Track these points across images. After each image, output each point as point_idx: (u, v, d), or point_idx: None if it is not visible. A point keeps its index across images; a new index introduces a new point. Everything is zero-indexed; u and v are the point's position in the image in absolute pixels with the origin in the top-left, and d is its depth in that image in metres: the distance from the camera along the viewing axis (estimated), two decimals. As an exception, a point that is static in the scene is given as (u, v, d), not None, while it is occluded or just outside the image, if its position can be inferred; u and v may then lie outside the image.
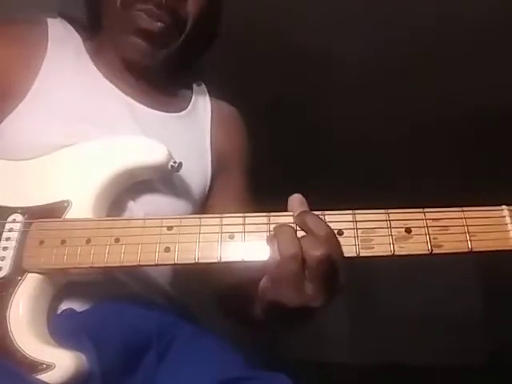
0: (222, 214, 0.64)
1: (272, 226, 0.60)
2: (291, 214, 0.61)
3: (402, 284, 3.02)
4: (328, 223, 0.59)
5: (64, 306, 0.70)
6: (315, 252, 0.56)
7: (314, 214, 0.60)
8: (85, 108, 0.80)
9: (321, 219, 0.59)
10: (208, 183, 0.90)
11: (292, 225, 0.60)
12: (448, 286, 3.02)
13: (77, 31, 0.89)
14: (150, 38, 0.82)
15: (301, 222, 0.60)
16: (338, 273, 0.58)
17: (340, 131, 2.36)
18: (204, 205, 0.90)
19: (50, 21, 0.87)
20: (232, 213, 0.64)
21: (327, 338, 2.82)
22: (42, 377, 0.58)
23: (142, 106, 0.86)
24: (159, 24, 0.81)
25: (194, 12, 0.84)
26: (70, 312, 0.69)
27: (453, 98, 2.34)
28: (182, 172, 0.76)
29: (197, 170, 0.88)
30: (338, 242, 0.58)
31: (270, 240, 0.59)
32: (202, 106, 0.96)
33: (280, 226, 0.60)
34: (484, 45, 2.07)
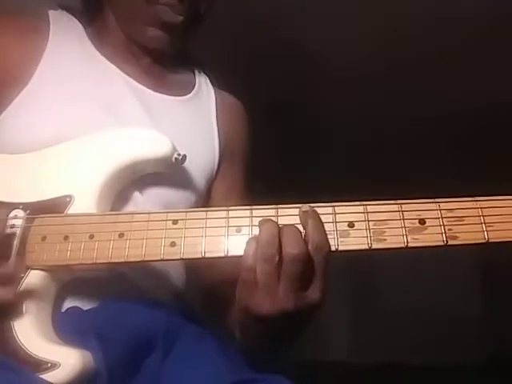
0: (223, 203, 0.62)
1: (280, 219, 0.59)
2: (299, 206, 0.59)
3: (402, 283, 3.02)
4: (338, 215, 0.57)
5: (69, 303, 0.69)
6: (293, 250, 0.55)
7: (320, 220, 0.58)
8: (89, 93, 0.80)
9: (323, 227, 0.58)
10: (215, 168, 0.90)
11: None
12: (448, 285, 3.02)
13: (77, 19, 0.89)
14: (171, 29, 0.84)
15: (304, 220, 0.58)
16: (311, 277, 0.57)
17: (341, 130, 2.35)
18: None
19: (51, 12, 0.87)
20: (231, 203, 0.62)
21: (328, 337, 2.82)
22: (47, 376, 0.57)
23: (146, 89, 0.86)
24: (180, 17, 0.84)
25: (209, 3, 0.87)
26: (76, 310, 0.68)
27: (454, 97, 2.32)
28: (189, 158, 0.75)
29: (204, 155, 0.87)
30: (327, 259, 0.57)
31: (251, 238, 0.58)
32: (205, 92, 0.96)
33: (264, 222, 0.58)
34: (484, 43, 2.06)
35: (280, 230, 0.58)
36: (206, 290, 0.86)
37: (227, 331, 0.75)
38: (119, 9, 0.87)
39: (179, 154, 0.72)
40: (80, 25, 0.88)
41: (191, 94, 0.93)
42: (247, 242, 0.58)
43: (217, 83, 1.00)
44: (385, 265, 2.66)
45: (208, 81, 0.99)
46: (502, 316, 2.81)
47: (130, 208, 0.74)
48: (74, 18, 0.88)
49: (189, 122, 0.88)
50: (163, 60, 0.90)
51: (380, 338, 2.96)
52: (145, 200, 0.76)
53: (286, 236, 0.57)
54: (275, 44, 1.97)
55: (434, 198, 0.58)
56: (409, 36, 2.03)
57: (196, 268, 0.82)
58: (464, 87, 2.23)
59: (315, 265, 0.57)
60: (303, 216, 0.59)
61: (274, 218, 0.59)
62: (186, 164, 0.76)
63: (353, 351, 3.00)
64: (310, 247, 0.56)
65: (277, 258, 0.56)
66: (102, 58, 0.85)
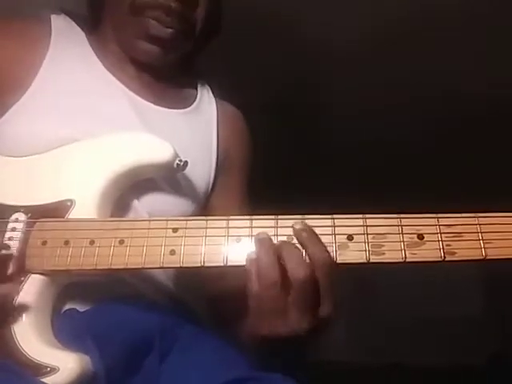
0: (223, 214, 0.63)
1: (280, 230, 0.59)
2: (299, 217, 0.59)
3: (402, 283, 3.02)
4: (338, 228, 0.57)
5: (68, 307, 0.69)
6: (300, 273, 0.56)
7: (316, 235, 0.58)
8: (87, 102, 0.80)
9: (320, 241, 0.58)
10: (211, 181, 0.90)
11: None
12: (448, 286, 3.01)
13: (80, 26, 0.88)
14: (161, 43, 0.83)
15: (300, 238, 0.58)
16: (320, 294, 0.57)
17: (341, 131, 2.32)
18: (206, 204, 0.90)
19: (53, 17, 0.87)
20: (232, 213, 0.63)
21: (327, 337, 2.83)
22: (46, 380, 0.58)
23: (145, 102, 0.85)
24: (169, 30, 0.82)
25: (202, 16, 0.85)
26: (73, 312, 0.69)
27: (455, 80, 2.28)
28: (187, 169, 0.75)
29: (201, 168, 0.87)
30: (332, 272, 0.57)
31: (249, 262, 0.58)
32: (207, 104, 0.96)
33: (260, 245, 0.58)
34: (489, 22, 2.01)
35: (279, 249, 0.58)
36: (213, 302, 0.86)
37: (236, 341, 0.75)
38: (113, 19, 0.86)
39: (181, 160, 0.72)
40: (82, 32, 0.88)
41: (192, 106, 0.92)
42: (247, 266, 0.58)
43: (218, 89, 1.00)
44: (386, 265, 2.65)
45: (210, 92, 0.99)
46: (502, 316, 2.81)
47: (127, 215, 0.75)
48: (75, 24, 0.88)
49: (187, 134, 0.88)
50: (161, 73, 0.89)
51: (380, 337, 2.96)
52: (142, 208, 0.76)
53: (289, 260, 0.57)
54: (275, 42, 1.95)
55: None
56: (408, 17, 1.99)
57: (204, 280, 0.81)
58: (466, 69, 2.19)
59: (322, 281, 0.57)
60: (298, 234, 0.58)
61: (273, 229, 0.59)
62: (183, 175, 0.76)
63: (353, 351, 3.00)
64: (316, 267, 0.56)
65: (279, 283, 0.56)
66: (103, 68, 0.85)
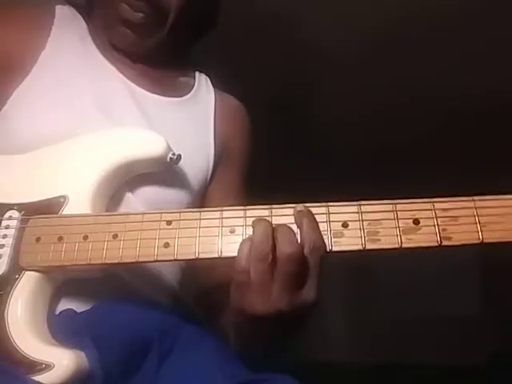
0: (219, 205, 0.62)
1: (274, 219, 0.58)
2: (293, 206, 0.59)
3: (402, 282, 3.01)
4: (332, 215, 0.57)
5: (64, 304, 0.68)
6: (287, 249, 0.55)
7: (314, 220, 0.58)
8: (85, 92, 0.80)
9: (318, 227, 0.57)
10: (210, 171, 0.89)
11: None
12: (448, 285, 3.00)
13: (82, 16, 0.90)
14: (134, 27, 0.85)
15: (298, 220, 0.58)
16: (306, 277, 0.57)
17: (341, 130, 2.33)
18: (204, 195, 0.89)
19: (58, 7, 0.89)
20: (228, 204, 0.62)
21: (327, 337, 2.81)
22: (41, 377, 0.57)
23: (142, 90, 0.86)
24: (140, 14, 0.84)
25: (177, 5, 0.85)
26: (71, 312, 0.68)
27: (456, 84, 2.28)
28: (182, 160, 0.75)
29: (197, 157, 0.87)
30: (322, 258, 0.57)
31: (244, 240, 0.58)
32: (205, 94, 0.96)
33: (257, 221, 0.58)
34: (487, 24, 2.01)
35: (274, 229, 0.57)
36: (203, 294, 0.85)
37: (221, 334, 0.74)
38: (101, 7, 0.88)
39: (174, 154, 0.72)
40: (84, 21, 0.89)
41: (189, 95, 0.92)
42: (240, 244, 0.58)
43: (218, 83, 1.00)
44: (384, 264, 2.65)
45: (209, 82, 0.99)
46: (502, 316, 2.79)
47: (122, 208, 0.74)
48: (78, 14, 0.90)
49: (184, 123, 0.88)
50: (154, 62, 0.90)
51: (380, 337, 2.95)
52: (137, 200, 0.76)
53: (280, 235, 0.57)
54: (275, 41, 1.95)
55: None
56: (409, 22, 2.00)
57: (195, 273, 0.81)
58: (468, 72, 2.19)
59: (310, 264, 0.57)
60: (298, 216, 0.58)
61: (267, 219, 0.58)
62: (180, 165, 0.76)
63: (352, 351, 2.99)
64: (305, 247, 0.56)
65: (270, 257, 0.56)
66: (101, 58, 0.86)
